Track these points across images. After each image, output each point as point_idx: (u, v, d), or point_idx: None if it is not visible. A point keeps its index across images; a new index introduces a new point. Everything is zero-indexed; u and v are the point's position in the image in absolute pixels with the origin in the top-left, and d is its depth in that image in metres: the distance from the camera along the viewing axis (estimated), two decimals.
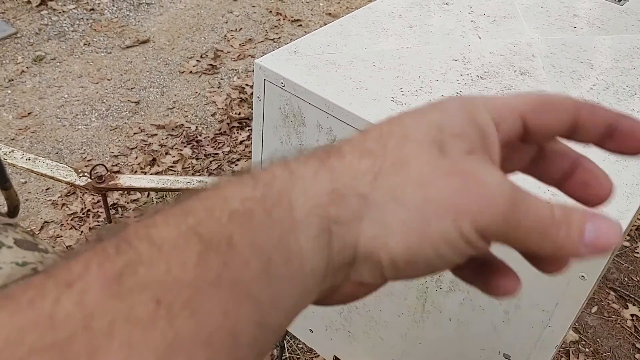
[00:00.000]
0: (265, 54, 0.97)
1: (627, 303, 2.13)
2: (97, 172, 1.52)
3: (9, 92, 2.90)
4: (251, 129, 1.15)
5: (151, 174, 2.47)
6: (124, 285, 0.19)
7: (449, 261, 0.25)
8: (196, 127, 2.80)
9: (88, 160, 2.55)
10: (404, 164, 0.25)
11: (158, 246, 0.21)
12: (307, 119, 0.90)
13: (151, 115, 2.85)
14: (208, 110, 2.92)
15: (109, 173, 1.54)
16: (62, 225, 2.29)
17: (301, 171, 0.24)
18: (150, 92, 2.99)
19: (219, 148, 2.70)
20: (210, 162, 2.63)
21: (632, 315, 2.09)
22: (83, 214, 2.34)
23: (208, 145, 2.71)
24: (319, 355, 1.79)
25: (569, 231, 0.25)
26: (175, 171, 2.55)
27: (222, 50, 3.33)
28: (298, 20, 3.67)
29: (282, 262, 0.22)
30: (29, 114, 2.78)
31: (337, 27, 1.04)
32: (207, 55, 3.28)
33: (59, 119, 2.77)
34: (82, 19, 3.48)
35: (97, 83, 3.02)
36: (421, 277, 0.26)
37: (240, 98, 2.99)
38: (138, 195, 2.40)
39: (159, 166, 2.57)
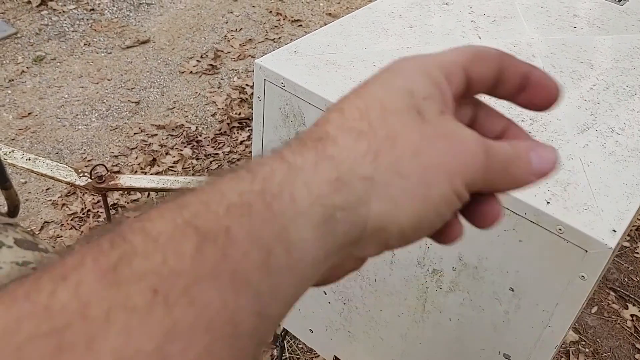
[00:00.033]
0: (266, 54, 0.97)
1: (627, 303, 2.13)
2: (97, 172, 1.52)
3: (9, 92, 2.90)
4: (251, 129, 1.15)
5: (151, 174, 2.48)
6: (119, 275, 0.19)
7: (445, 218, 0.27)
8: (196, 127, 2.80)
9: (88, 161, 2.56)
10: (395, 137, 0.26)
11: (153, 238, 0.20)
12: (307, 119, 0.90)
13: (151, 116, 2.85)
14: (208, 110, 2.92)
15: (109, 173, 1.54)
16: (62, 225, 2.29)
17: (299, 163, 0.25)
18: (150, 92, 2.99)
19: (219, 148, 2.70)
20: (211, 162, 2.63)
21: (632, 315, 2.09)
22: (83, 214, 2.34)
23: (208, 145, 2.71)
24: (319, 355, 1.79)
25: (520, 163, 0.28)
26: (175, 171, 2.55)
27: (222, 51, 3.33)
28: (298, 20, 3.67)
29: (282, 253, 0.23)
30: (29, 114, 2.79)
31: (337, 27, 1.04)
32: (207, 56, 3.28)
33: (59, 119, 2.77)
34: (82, 19, 3.48)
35: (97, 83, 3.02)
36: (421, 239, 0.28)
37: (241, 98, 2.99)
38: (138, 195, 2.40)
39: (159, 166, 2.57)
